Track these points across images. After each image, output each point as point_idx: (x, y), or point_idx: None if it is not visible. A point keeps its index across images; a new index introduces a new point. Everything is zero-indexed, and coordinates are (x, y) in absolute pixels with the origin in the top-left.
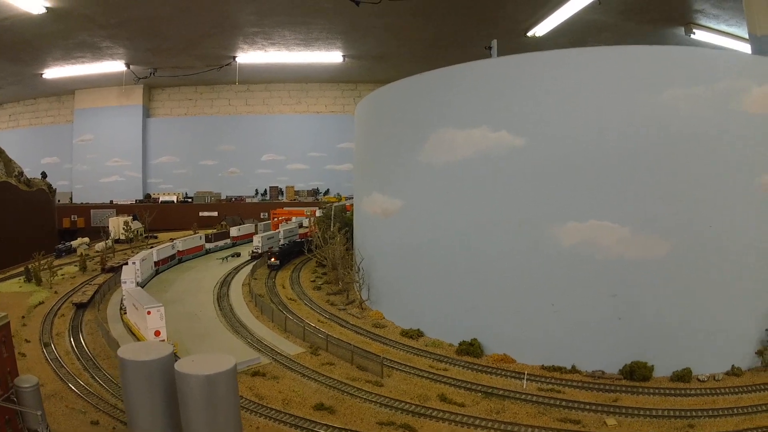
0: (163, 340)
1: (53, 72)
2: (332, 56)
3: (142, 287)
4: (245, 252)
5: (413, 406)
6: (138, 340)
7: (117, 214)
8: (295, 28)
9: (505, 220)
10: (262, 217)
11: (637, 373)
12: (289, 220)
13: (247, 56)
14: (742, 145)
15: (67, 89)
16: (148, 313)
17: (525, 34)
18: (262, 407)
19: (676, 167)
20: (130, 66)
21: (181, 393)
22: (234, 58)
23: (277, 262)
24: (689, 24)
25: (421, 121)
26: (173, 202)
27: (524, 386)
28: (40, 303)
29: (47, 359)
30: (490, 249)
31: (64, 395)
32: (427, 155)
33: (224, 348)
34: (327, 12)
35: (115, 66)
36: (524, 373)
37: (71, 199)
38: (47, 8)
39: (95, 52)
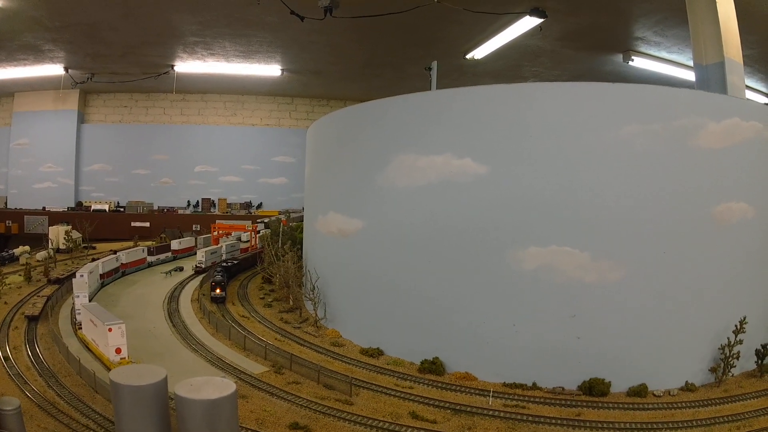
0: (124, 358)
1: None
2: (271, 69)
3: (90, 301)
4: (188, 266)
5: (387, 424)
6: (95, 356)
7: (49, 222)
8: (236, 40)
9: (466, 243)
10: (194, 229)
11: (595, 389)
12: (229, 234)
13: (186, 65)
14: (697, 179)
15: (7, 92)
16: (109, 330)
17: (464, 56)
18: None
19: (632, 198)
20: (69, 70)
21: (181, 418)
22: (172, 66)
23: (223, 293)
24: (628, 51)
25: (383, 145)
26: (105, 211)
27: (490, 402)
28: None
29: (9, 374)
30: (452, 271)
31: (34, 414)
32: (389, 178)
33: (186, 367)
34: (270, 26)
35: (54, 69)
36: (489, 391)
37: (6, 204)
38: None
39: (37, 54)
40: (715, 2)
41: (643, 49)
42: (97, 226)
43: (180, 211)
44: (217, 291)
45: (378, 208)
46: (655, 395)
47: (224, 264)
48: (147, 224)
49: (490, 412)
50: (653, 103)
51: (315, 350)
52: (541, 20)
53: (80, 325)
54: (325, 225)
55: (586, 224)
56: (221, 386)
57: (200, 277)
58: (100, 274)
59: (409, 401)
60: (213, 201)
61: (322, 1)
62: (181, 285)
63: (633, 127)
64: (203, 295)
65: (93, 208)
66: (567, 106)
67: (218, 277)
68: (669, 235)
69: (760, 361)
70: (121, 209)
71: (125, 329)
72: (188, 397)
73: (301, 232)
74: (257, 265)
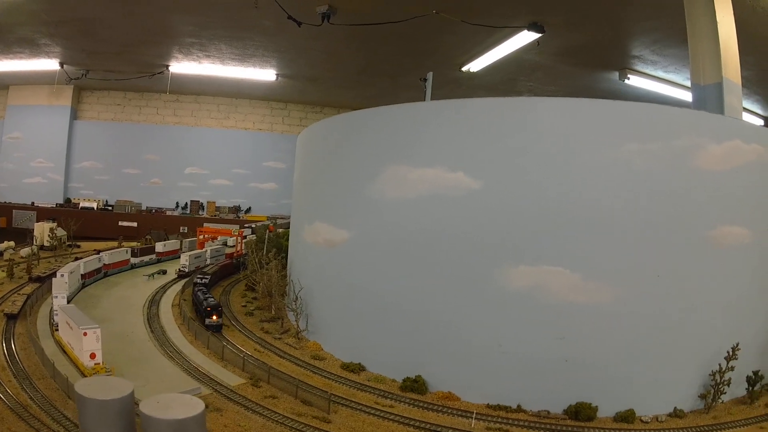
0: (99, 363)
1: None
2: (266, 74)
3: (69, 302)
4: (171, 269)
5: None
6: (70, 359)
7: (37, 217)
8: (232, 43)
9: (455, 258)
10: (181, 231)
11: (581, 413)
12: (215, 238)
13: (181, 66)
14: (694, 201)
15: (1, 84)
16: (84, 334)
17: (459, 68)
18: None
19: (627, 218)
20: (64, 65)
21: None
22: (167, 66)
23: (220, 320)
24: (624, 69)
25: (374, 155)
26: (93, 209)
27: (472, 425)
28: None
29: None
30: (439, 287)
31: (6, 416)
32: (379, 190)
33: (161, 375)
34: (266, 30)
35: (50, 64)
36: (473, 412)
37: None
38: None
39: (33, 48)
40: (717, 22)
41: (639, 67)
42: (83, 224)
43: (168, 213)
44: (214, 318)
45: (366, 219)
46: (642, 421)
47: (199, 280)
48: (134, 224)
49: None
50: (653, 122)
51: (295, 363)
52: (539, 35)
53: (57, 326)
54: (312, 234)
55: (578, 244)
56: (189, 405)
57: (182, 282)
58: (82, 274)
59: (389, 421)
60: (202, 203)
61: (320, 7)
62: (163, 289)
63: (632, 146)
64: (184, 300)
65: (81, 205)
66: (564, 123)
67: (213, 301)
68: (663, 258)
69: (750, 388)
70: (110, 208)
71: (101, 334)
72: (154, 416)
73: (287, 239)
74: (240, 272)
